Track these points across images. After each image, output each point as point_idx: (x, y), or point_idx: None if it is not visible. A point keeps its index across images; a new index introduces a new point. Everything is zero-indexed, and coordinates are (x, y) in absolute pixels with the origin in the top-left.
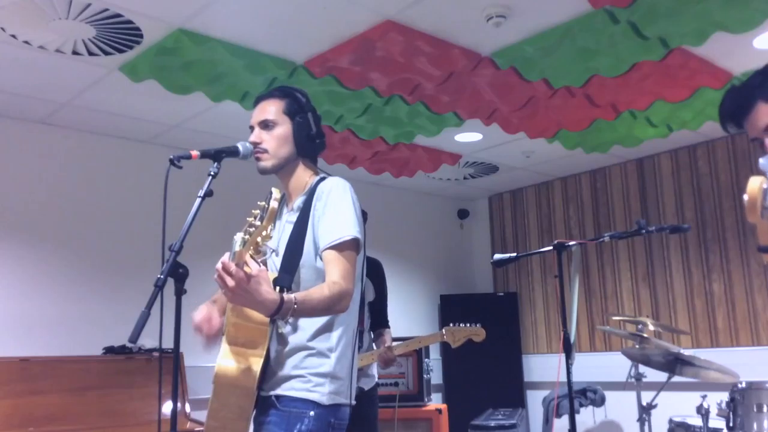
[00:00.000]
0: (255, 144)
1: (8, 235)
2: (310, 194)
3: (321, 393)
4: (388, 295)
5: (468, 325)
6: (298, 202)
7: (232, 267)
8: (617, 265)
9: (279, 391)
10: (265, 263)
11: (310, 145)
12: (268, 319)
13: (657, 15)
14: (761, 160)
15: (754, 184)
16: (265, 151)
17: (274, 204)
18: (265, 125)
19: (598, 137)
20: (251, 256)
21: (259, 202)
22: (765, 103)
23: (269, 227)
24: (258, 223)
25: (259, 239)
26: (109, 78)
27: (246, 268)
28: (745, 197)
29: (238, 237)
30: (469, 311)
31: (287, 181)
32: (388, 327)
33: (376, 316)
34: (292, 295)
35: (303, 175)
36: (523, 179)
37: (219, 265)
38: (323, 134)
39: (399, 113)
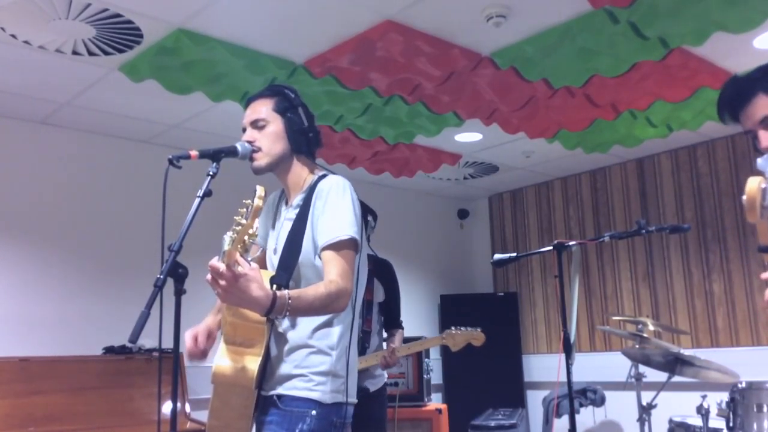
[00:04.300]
0: (249, 143)
1: (8, 235)
2: (310, 192)
3: (322, 392)
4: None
5: (468, 329)
6: (297, 199)
7: (220, 267)
8: (617, 265)
9: (280, 391)
10: (263, 261)
11: (303, 139)
12: (265, 318)
13: (657, 15)
14: (759, 160)
15: (753, 184)
16: (259, 149)
17: (258, 202)
18: (257, 125)
19: (598, 137)
20: (241, 255)
21: (244, 201)
22: (765, 95)
23: (254, 224)
24: (243, 221)
25: (246, 237)
26: (109, 78)
27: (237, 267)
28: (744, 198)
29: (227, 236)
30: (469, 311)
31: (285, 178)
32: (401, 328)
33: (387, 316)
34: (285, 292)
35: (301, 172)
36: (523, 179)
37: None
38: (317, 129)
39: (399, 113)
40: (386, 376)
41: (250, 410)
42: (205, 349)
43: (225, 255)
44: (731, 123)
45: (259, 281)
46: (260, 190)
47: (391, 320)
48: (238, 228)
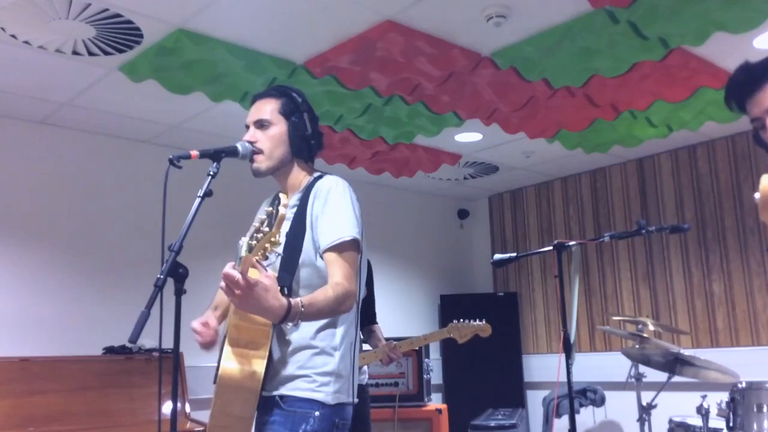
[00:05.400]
0: (250, 143)
1: (8, 235)
2: (306, 191)
3: (326, 393)
4: (387, 295)
5: (474, 321)
6: (293, 200)
7: (235, 275)
8: (617, 265)
9: (283, 391)
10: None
11: (305, 145)
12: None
13: (657, 15)
14: None
15: (766, 182)
16: (260, 151)
17: (282, 210)
18: (261, 125)
19: (598, 137)
20: (258, 262)
21: (266, 208)
22: None
23: (278, 234)
24: (266, 229)
25: (267, 245)
26: (109, 78)
27: (254, 274)
28: (757, 195)
29: (244, 242)
30: (469, 311)
31: (283, 181)
32: (377, 323)
33: (365, 312)
34: (299, 300)
35: (299, 175)
36: (523, 179)
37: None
38: (320, 134)
39: (399, 113)
40: (367, 374)
41: (252, 411)
42: (216, 331)
43: (241, 261)
44: (736, 110)
45: (275, 290)
46: (284, 198)
47: (369, 316)
48: (260, 235)
